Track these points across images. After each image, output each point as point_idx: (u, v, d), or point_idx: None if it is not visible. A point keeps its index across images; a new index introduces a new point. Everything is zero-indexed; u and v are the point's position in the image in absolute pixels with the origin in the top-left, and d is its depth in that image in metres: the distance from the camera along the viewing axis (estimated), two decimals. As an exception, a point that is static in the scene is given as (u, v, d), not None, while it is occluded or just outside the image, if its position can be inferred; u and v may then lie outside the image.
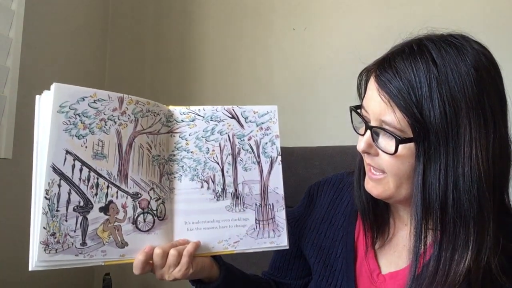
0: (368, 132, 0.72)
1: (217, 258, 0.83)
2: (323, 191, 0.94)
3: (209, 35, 1.84)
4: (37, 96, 0.72)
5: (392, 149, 0.68)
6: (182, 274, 0.74)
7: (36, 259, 0.67)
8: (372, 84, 0.72)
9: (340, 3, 1.68)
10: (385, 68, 0.70)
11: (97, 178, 0.72)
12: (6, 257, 1.36)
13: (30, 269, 0.67)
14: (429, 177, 0.67)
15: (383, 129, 0.70)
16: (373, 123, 0.72)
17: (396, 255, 0.81)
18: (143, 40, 1.91)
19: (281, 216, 0.84)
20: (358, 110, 0.76)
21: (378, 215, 0.82)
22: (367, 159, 0.76)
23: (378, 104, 0.70)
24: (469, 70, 0.66)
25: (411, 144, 0.68)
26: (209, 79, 1.82)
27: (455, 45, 0.69)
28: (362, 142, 0.73)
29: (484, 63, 0.68)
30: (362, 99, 0.76)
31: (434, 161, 0.66)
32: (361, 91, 0.78)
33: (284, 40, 1.74)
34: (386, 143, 0.70)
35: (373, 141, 0.72)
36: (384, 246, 0.82)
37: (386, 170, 0.72)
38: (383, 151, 0.70)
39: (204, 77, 1.82)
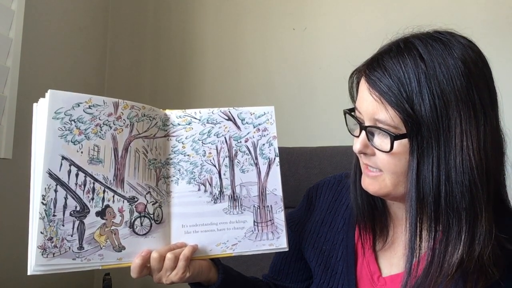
0: (363, 132, 0.73)
1: (216, 261, 0.83)
2: (321, 193, 0.93)
3: (209, 35, 1.85)
4: (34, 104, 0.74)
5: (388, 147, 0.69)
6: (179, 277, 0.75)
7: (34, 263, 0.68)
8: (363, 85, 0.72)
9: (340, 3, 1.68)
10: (374, 68, 0.71)
11: (93, 183, 0.73)
12: (6, 257, 1.37)
13: (28, 273, 0.68)
14: (423, 171, 0.67)
15: (378, 128, 0.70)
16: (367, 123, 0.73)
17: (397, 258, 0.81)
18: (143, 40, 1.92)
19: (280, 217, 0.84)
20: (352, 113, 0.77)
21: (377, 217, 0.82)
22: (364, 159, 0.76)
23: (370, 104, 0.71)
24: (457, 63, 0.67)
25: (405, 140, 0.68)
26: (209, 79, 1.83)
27: (441, 40, 0.70)
28: (357, 143, 0.74)
29: (471, 56, 0.69)
30: (355, 101, 0.77)
31: (427, 155, 0.67)
32: (353, 93, 0.79)
33: (284, 40, 1.74)
34: (381, 141, 0.71)
35: (369, 141, 0.73)
36: (385, 249, 0.82)
37: (383, 169, 0.72)
38: (379, 150, 0.71)
39: (204, 77, 1.83)
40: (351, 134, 0.78)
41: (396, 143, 0.68)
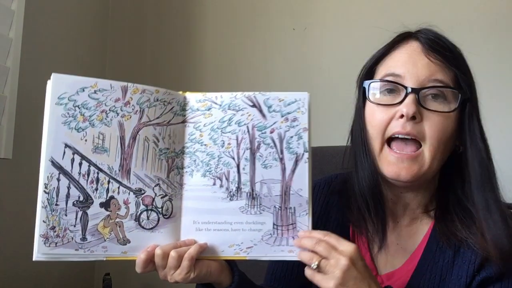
0: (412, 96, 0.73)
1: (231, 264, 0.77)
2: (312, 196, 0.83)
3: (209, 36, 1.85)
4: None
5: (452, 106, 0.74)
6: (183, 277, 0.70)
7: (36, 251, 0.67)
8: (413, 50, 0.76)
9: (340, 3, 1.70)
10: (427, 34, 0.77)
11: (97, 173, 0.69)
12: (6, 256, 1.38)
13: (33, 259, 0.68)
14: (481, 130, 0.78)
15: (439, 87, 0.74)
16: (416, 86, 0.73)
17: (391, 255, 0.81)
18: (143, 44, 1.91)
19: (303, 222, 0.73)
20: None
21: (373, 216, 0.81)
22: (408, 127, 0.73)
23: (426, 65, 0.74)
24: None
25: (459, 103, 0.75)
26: (209, 79, 1.82)
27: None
28: (410, 106, 0.72)
29: None
30: (370, 77, 0.80)
31: (477, 119, 0.77)
32: (377, 65, 0.81)
33: (284, 40, 1.75)
34: (438, 102, 0.74)
35: (421, 103, 0.73)
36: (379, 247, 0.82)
37: (430, 136, 0.73)
38: (438, 110, 0.73)
39: (204, 77, 1.82)
40: (378, 105, 0.77)
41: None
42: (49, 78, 0.67)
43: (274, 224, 0.73)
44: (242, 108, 0.75)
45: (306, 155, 0.74)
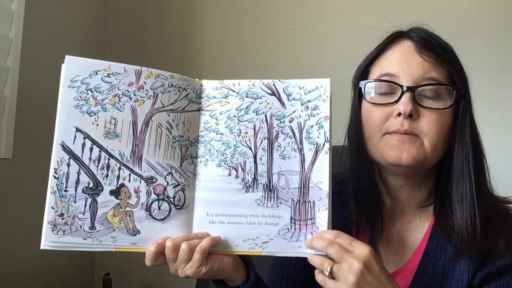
0: (408, 94, 0.73)
1: (246, 261, 0.73)
2: None
3: (208, 36, 1.84)
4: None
5: (447, 103, 0.74)
6: (193, 272, 0.66)
7: (44, 239, 0.65)
8: (406, 49, 0.77)
9: (340, 3, 1.70)
10: (419, 33, 0.77)
11: (108, 159, 0.67)
12: (7, 256, 1.37)
13: (41, 247, 0.66)
14: (472, 127, 0.78)
15: (435, 85, 0.74)
16: (411, 84, 0.74)
17: (393, 253, 0.80)
18: (143, 45, 1.91)
19: (323, 217, 0.68)
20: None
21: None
22: (406, 124, 0.73)
23: (420, 64, 0.75)
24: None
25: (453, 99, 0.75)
26: (209, 79, 1.82)
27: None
28: (407, 104, 0.72)
29: None
30: (365, 77, 0.81)
31: (469, 114, 0.77)
32: (371, 66, 0.81)
33: (284, 40, 1.75)
34: (432, 100, 0.74)
35: (417, 101, 0.73)
36: (380, 246, 0.81)
37: (428, 132, 0.73)
38: (434, 107, 0.74)
39: (204, 77, 1.81)
40: (375, 104, 0.76)
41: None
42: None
43: (291, 218, 0.69)
44: (261, 96, 0.71)
45: (327, 145, 0.69)
